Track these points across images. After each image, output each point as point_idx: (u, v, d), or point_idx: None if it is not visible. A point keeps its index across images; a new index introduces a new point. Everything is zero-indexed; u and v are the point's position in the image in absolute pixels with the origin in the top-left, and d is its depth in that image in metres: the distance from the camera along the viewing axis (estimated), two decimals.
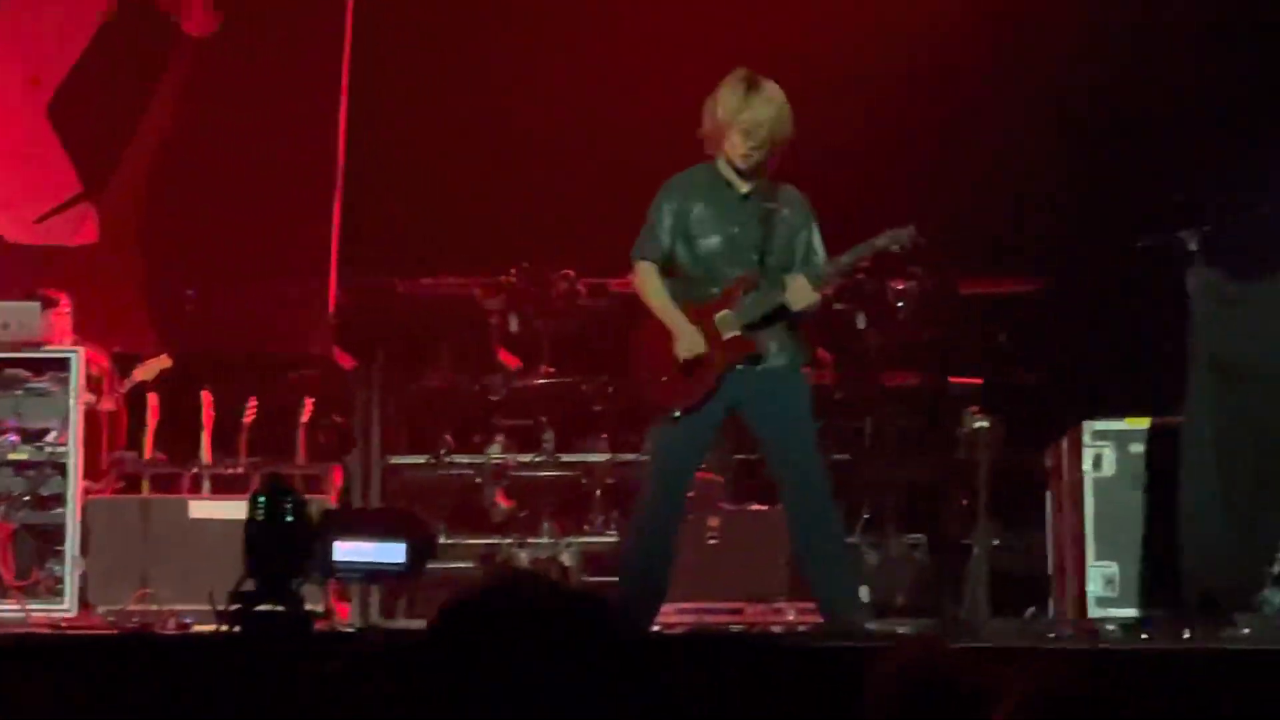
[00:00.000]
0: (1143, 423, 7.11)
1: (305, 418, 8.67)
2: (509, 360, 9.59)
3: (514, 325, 9.44)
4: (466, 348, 9.55)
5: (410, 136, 9.53)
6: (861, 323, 9.07)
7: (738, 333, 6.20)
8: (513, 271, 9.46)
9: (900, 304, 8.96)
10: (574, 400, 9.36)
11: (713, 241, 6.27)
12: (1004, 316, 9.27)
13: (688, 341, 6.20)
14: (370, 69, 9.54)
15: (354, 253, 9.42)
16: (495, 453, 9.27)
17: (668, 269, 6.36)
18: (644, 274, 6.32)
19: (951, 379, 9.02)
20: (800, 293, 6.15)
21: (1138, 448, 7.06)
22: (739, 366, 6.22)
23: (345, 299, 9.41)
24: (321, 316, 9.30)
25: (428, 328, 9.56)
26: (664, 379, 6.22)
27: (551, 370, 9.47)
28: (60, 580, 7.87)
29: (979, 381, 8.96)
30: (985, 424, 7.89)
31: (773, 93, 6.16)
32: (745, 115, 6.09)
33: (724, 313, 6.25)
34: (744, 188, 6.24)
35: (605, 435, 9.29)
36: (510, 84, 9.58)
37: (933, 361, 9.07)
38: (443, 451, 9.25)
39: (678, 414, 6.17)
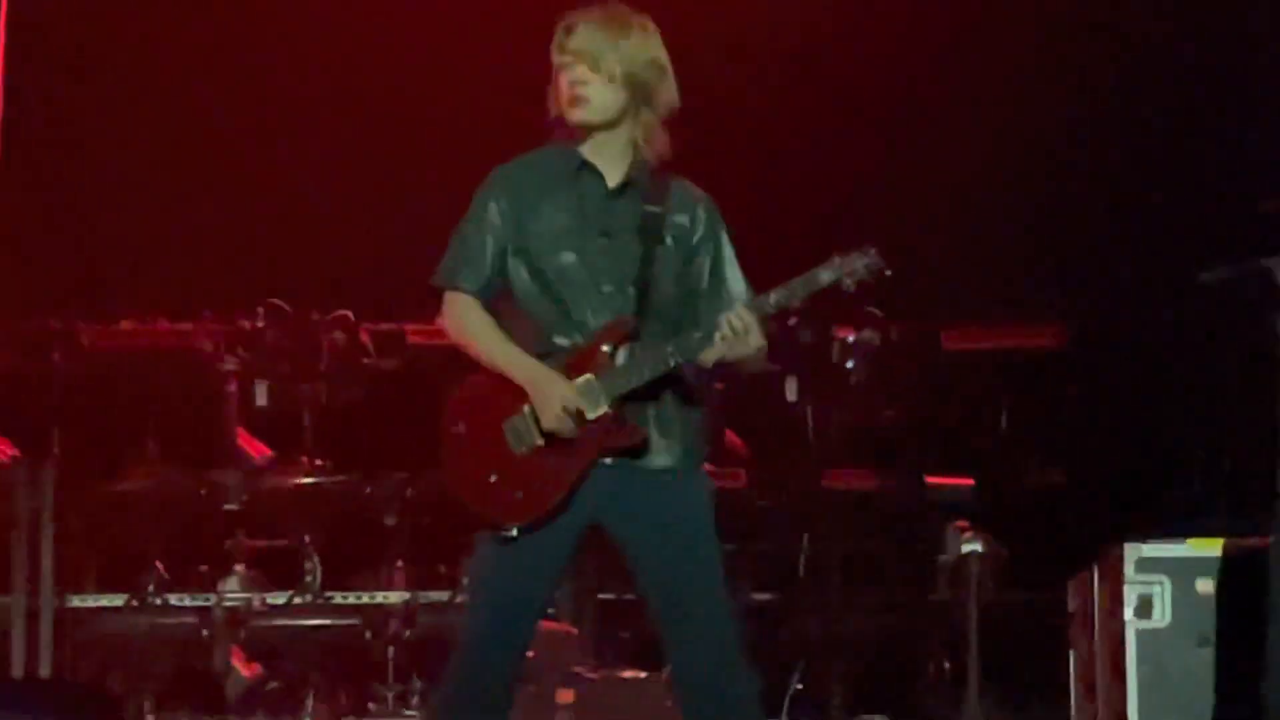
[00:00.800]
0: (1212, 546, 7.27)
1: None
2: (253, 448, 9.58)
3: (261, 396, 9.44)
4: (187, 429, 9.54)
5: (93, 118, 9.51)
6: (792, 393, 9.17)
7: (607, 409, 6.24)
8: (259, 312, 9.47)
9: (851, 364, 9.09)
10: (353, 509, 9.38)
11: (564, 262, 6.13)
12: (1007, 383, 9.45)
13: (558, 400, 6.12)
14: (30, 38, 9.56)
15: (11, 286, 9.38)
16: (232, 590, 9.25)
17: (493, 307, 6.42)
18: (461, 308, 6.19)
19: (928, 479, 9.15)
20: (739, 337, 5.96)
21: (1205, 584, 7.23)
22: (607, 461, 6.32)
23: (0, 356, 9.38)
24: None
25: (128, 398, 9.54)
26: (493, 477, 6.21)
27: (319, 464, 9.48)
28: None
29: (968, 483, 9.12)
30: (978, 547, 8.01)
31: (614, 12, 6.08)
32: (564, 43, 6.00)
33: (585, 378, 6.23)
34: (615, 177, 6.22)
35: (400, 563, 9.30)
36: (246, 40, 9.63)
37: (900, 452, 9.21)
38: (150, 588, 9.21)
39: (514, 531, 6.18)
